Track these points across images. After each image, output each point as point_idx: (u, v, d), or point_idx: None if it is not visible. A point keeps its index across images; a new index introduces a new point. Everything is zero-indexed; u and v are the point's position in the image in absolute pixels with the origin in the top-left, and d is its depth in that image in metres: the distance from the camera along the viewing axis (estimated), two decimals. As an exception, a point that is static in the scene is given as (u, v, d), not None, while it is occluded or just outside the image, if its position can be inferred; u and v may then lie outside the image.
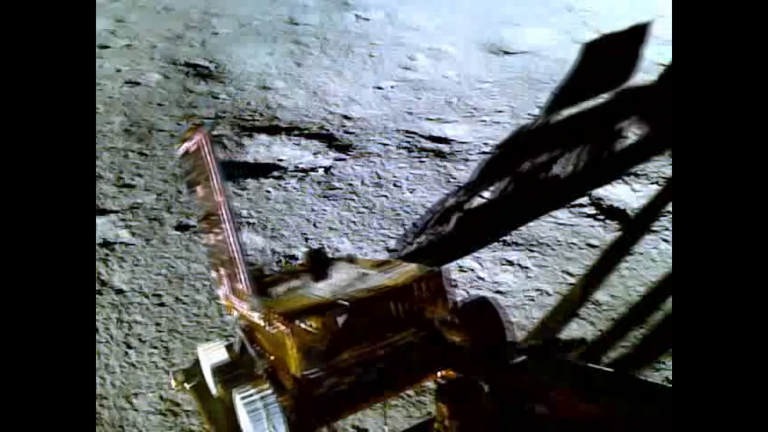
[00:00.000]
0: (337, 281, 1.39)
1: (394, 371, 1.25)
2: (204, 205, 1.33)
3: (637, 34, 4.74)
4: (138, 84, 4.34)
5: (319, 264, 1.54)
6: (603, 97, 3.82)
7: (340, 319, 1.17)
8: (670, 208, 2.83)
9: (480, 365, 1.25)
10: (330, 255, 1.82)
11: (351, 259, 1.62)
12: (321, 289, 1.36)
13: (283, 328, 1.15)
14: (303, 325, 1.14)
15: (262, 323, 1.21)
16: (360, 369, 1.22)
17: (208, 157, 1.25)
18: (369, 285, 1.28)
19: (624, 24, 5.11)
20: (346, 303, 1.18)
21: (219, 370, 1.33)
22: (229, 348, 1.40)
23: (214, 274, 1.40)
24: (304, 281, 1.48)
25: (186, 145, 1.36)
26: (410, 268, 1.31)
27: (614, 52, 4.66)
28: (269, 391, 1.13)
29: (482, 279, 2.47)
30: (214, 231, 1.33)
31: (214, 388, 1.36)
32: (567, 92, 4.00)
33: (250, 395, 1.12)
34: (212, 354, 1.39)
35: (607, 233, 2.71)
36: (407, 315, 1.23)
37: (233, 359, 1.37)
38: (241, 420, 1.16)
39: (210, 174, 1.27)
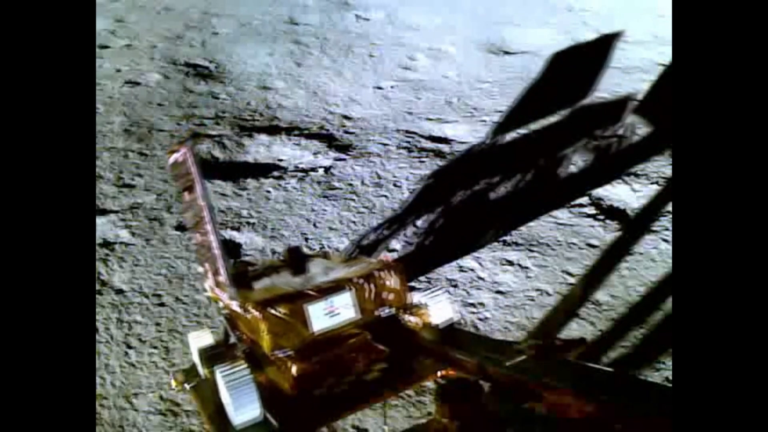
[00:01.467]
0: (309, 275, 1.57)
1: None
2: (190, 208, 1.47)
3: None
4: (138, 84, 4.34)
5: (296, 259, 1.73)
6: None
7: (307, 307, 1.35)
8: (670, 208, 2.83)
9: (431, 346, 1.43)
10: (307, 252, 2.02)
11: (325, 255, 1.80)
12: (294, 282, 1.53)
13: (257, 314, 1.33)
14: (274, 312, 1.33)
15: (239, 310, 1.40)
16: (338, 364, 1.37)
17: (192, 168, 1.40)
18: (334, 277, 1.45)
19: (623, 24, 5.12)
20: (313, 292, 1.37)
21: (204, 351, 1.50)
22: (215, 334, 1.58)
23: (200, 268, 1.55)
24: (283, 275, 1.63)
25: (174, 156, 1.50)
26: (373, 263, 1.48)
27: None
28: (244, 367, 1.29)
29: (482, 279, 2.47)
30: (199, 230, 1.47)
31: (201, 369, 1.50)
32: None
33: (228, 370, 1.29)
34: (200, 339, 1.55)
35: (607, 233, 2.71)
36: (368, 301, 1.41)
37: (218, 343, 1.54)
38: (222, 393, 1.32)
39: (194, 182, 1.42)
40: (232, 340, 1.49)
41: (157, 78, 4.44)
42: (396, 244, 2.71)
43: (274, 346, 1.33)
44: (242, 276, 1.63)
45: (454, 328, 1.48)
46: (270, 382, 1.36)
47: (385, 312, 1.44)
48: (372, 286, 1.41)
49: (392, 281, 1.44)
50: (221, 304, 1.50)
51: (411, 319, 1.46)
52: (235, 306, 1.41)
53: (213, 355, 1.43)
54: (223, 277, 1.43)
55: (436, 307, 1.46)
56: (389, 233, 2.77)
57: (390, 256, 1.47)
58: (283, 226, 2.86)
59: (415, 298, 1.48)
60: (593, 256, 2.58)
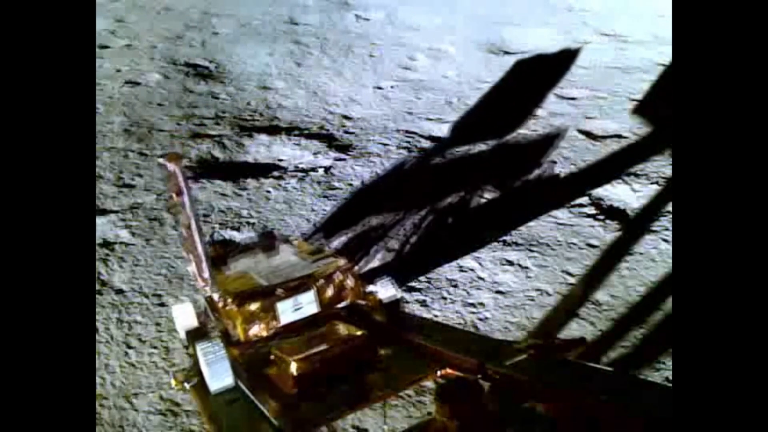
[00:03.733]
0: (278, 265, 1.82)
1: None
2: (179, 211, 1.70)
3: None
4: (138, 84, 4.34)
5: (268, 243, 2.02)
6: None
7: (277, 304, 1.62)
8: (670, 208, 2.83)
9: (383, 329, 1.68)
10: (278, 234, 2.28)
11: (287, 240, 2.09)
12: (266, 271, 1.78)
13: (234, 308, 1.59)
14: (248, 307, 1.59)
15: (219, 303, 1.65)
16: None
17: (182, 182, 1.57)
18: (300, 274, 1.71)
19: (623, 24, 5.12)
20: (282, 291, 1.64)
21: (189, 332, 1.79)
22: (197, 314, 1.85)
23: (185, 254, 1.76)
24: (257, 259, 1.92)
25: (166, 165, 1.65)
26: (334, 262, 1.75)
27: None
28: (220, 344, 1.54)
29: (482, 279, 2.47)
30: (184, 227, 1.68)
31: (186, 343, 1.78)
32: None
33: (206, 347, 1.54)
34: (184, 313, 1.84)
35: (607, 233, 2.71)
36: (327, 298, 1.70)
37: (198, 317, 1.82)
38: (201, 366, 1.56)
39: (182, 194, 1.60)
40: (211, 318, 1.76)
41: (157, 78, 4.44)
42: (396, 244, 2.71)
43: (247, 334, 1.60)
44: (220, 258, 1.91)
45: (397, 303, 1.77)
46: (240, 357, 1.60)
47: (341, 305, 1.72)
48: (331, 285, 1.71)
49: (348, 280, 1.73)
50: (204, 292, 1.76)
51: (362, 300, 1.75)
52: (215, 296, 1.66)
53: (195, 335, 1.70)
54: (206, 275, 1.65)
55: (383, 290, 1.76)
56: (389, 232, 2.77)
57: (344, 262, 1.76)
58: (284, 226, 2.86)
59: (368, 288, 1.77)
60: (593, 256, 2.59)
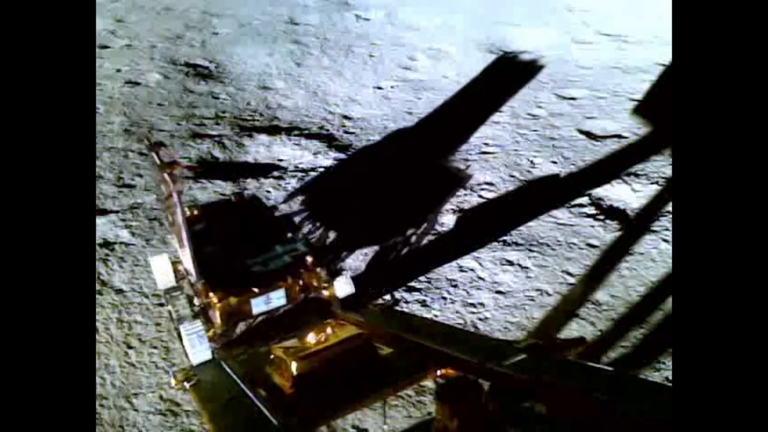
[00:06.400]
0: (255, 249, 2.09)
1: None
2: (170, 210, 1.98)
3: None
4: (138, 84, 4.34)
5: (239, 208, 2.36)
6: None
7: (251, 300, 1.91)
8: (670, 208, 2.83)
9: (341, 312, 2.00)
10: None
11: (257, 203, 2.41)
12: (244, 255, 2.05)
13: (216, 300, 1.89)
14: (227, 301, 1.89)
15: (203, 295, 1.95)
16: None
17: (171, 186, 1.75)
18: (275, 266, 2.01)
19: (623, 24, 5.12)
20: (257, 290, 1.92)
21: (167, 291, 2.13)
22: (174, 265, 2.20)
23: (170, 236, 2.09)
24: (227, 222, 2.25)
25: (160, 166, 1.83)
26: (303, 255, 2.05)
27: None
28: (201, 326, 1.88)
29: (482, 279, 2.47)
30: (171, 212, 1.93)
31: (168, 306, 2.07)
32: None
33: (189, 327, 1.87)
34: (162, 266, 2.18)
35: (607, 233, 2.71)
36: (294, 292, 1.99)
37: (177, 275, 2.18)
38: (184, 342, 1.88)
39: (175, 209, 1.84)
40: (195, 301, 2.05)
41: (157, 78, 4.44)
42: (395, 243, 2.71)
43: (224, 321, 1.92)
44: (197, 220, 2.23)
45: (353, 298, 2.10)
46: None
47: (305, 296, 2.02)
48: (298, 280, 2.00)
49: (313, 277, 2.02)
50: (190, 279, 2.05)
51: (324, 293, 2.07)
52: (198, 285, 1.95)
53: (179, 318, 1.96)
54: (194, 273, 1.94)
55: (339, 284, 2.09)
56: (387, 231, 2.78)
57: (311, 259, 2.04)
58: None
59: (334, 282, 2.07)
60: (593, 256, 2.58)
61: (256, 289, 1.93)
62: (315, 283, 2.03)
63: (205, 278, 1.94)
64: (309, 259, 2.04)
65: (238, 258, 2.05)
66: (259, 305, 1.94)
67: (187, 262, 2.00)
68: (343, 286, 2.10)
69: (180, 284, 2.18)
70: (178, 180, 1.74)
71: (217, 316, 1.90)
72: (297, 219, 2.86)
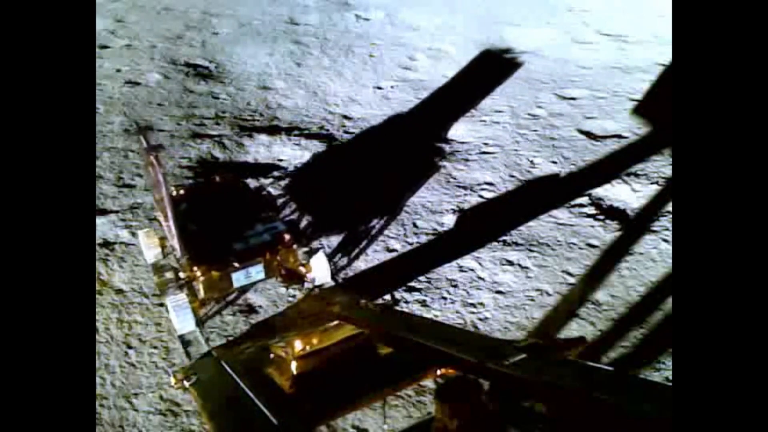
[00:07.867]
0: (232, 229, 2.22)
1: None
2: (156, 188, 2.10)
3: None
4: (138, 84, 4.34)
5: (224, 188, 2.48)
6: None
7: (231, 274, 2.08)
8: (670, 208, 2.83)
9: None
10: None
11: (238, 181, 2.54)
12: (229, 231, 2.20)
13: (199, 274, 2.05)
14: (210, 273, 2.05)
15: (188, 269, 2.09)
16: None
17: (157, 168, 1.88)
18: (257, 242, 2.16)
19: (623, 24, 5.12)
20: (237, 265, 2.08)
21: (154, 265, 2.27)
22: (158, 232, 2.37)
23: (156, 214, 2.26)
24: (211, 203, 2.37)
25: (146, 153, 1.95)
26: (279, 227, 2.22)
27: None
28: (185, 297, 2.03)
29: (482, 279, 2.47)
30: (158, 192, 2.02)
31: (155, 278, 2.15)
32: None
33: (174, 299, 2.02)
34: (149, 241, 2.34)
35: (607, 233, 2.71)
36: (273, 267, 2.15)
37: (163, 250, 2.34)
38: (170, 313, 2.06)
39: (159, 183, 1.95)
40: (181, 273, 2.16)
41: (157, 78, 4.43)
42: (396, 243, 2.71)
43: (207, 292, 2.08)
44: (179, 201, 2.29)
45: (330, 286, 2.30)
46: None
47: (283, 271, 2.18)
48: (277, 256, 2.15)
49: (291, 254, 2.18)
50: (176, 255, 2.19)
51: (301, 269, 2.23)
52: (184, 260, 2.09)
53: (166, 291, 2.07)
54: (179, 249, 2.09)
55: (316, 264, 2.23)
56: (385, 231, 2.78)
57: (288, 237, 2.19)
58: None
59: (310, 260, 2.24)
60: (593, 256, 2.59)
61: (236, 264, 2.08)
62: (291, 260, 2.18)
63: (189, 254, 2.08)
64: (287, 236, 2.18)
65: (220, 235, 2.19)
66: (239, 279, 2.10)
67: (173, 239, 2.13)
68: (319, 264, 2.23)
69: (166, 259, 2.33)
70: (163, 162, 1.88)
71: (200, 289, 2.07)
72: (281, 203, 2.87)
